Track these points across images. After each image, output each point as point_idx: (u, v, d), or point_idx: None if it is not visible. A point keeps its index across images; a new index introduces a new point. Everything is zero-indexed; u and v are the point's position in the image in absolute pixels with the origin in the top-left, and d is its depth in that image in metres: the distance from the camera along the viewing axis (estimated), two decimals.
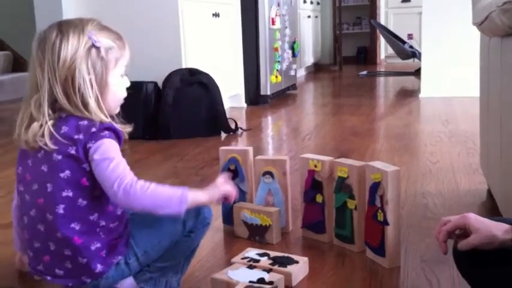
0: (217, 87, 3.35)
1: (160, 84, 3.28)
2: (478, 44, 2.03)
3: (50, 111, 1.18)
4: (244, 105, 4.47)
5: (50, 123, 1.17)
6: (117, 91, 1.25)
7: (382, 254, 1.44)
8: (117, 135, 1.21)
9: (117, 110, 1.27)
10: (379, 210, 1.42)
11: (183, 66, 3.46)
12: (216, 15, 3.99)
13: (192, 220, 1.31)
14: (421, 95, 4.62)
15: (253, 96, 4.55)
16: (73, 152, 1.16)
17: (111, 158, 1.16)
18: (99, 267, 1.19)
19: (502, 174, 1.60)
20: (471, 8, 1.91)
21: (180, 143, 3.07)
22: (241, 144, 3.08)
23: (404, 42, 6.64)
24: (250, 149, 1.72)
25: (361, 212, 1.51)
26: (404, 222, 1.62)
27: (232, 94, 4.30)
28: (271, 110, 4.29)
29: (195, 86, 3.28)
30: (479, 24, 1.70)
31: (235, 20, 4.37)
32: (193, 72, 3.36)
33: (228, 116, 3.36)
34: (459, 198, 1.96)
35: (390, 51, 7.54)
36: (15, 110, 4.15)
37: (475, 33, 1.97)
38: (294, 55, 5.29)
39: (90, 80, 1.18)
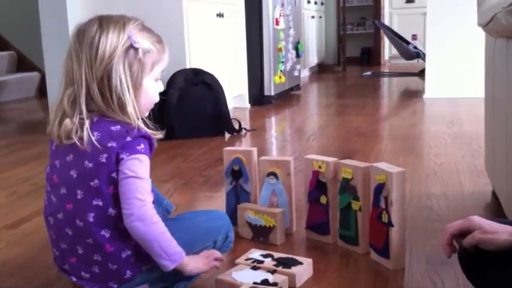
0: (221, 87, 3.35)
1: (164, 84, 3.28)
2: (482, 45, 2.03)
3: (85, 110, 1.15)
4: (248, 105, 4.47)
5: (87, 122, 1.14)
6: (150, 95, 1.22)
7: (386, 256, 1.43)
8: (150, 144, 1.19)
9: (147, 113, 1.25)
10: (384, 212, 1.42)
11: (187, 66, 3.46)
12: (220, 15, 3.99)
13: (221, 241, 1.34)
14: (425, 96, 4.61)
15: (257, 96, 4.55)
16: (104, 160, 1.14)
17: (141, 178, 1.15)
18: (128, 273, 1.19)
19: (507, 175, 1.59)
20: (476, 8, 1.91)
21: (184, 143, 3.07)
22: (245, 144, 3.08)
23: (408, 43, 6.63)
24: (255, 150, 1.71)
25: (365, 214, 1.51)
26: (408, 224, 1.61)
27: (236, 94, 4.29)
28: (275, 111, 4.28)
29: (199, 86, 3.28)
30: (485, 25, 1.69)
31: (240, 20, 4.37)
32: (197, 72, 3.36)
33: (231, 116, 3.36)
34: (464, 200, 1.95)
35: (394, 51, 7.52)
36: (19, 110, 4.18)
37: (480, 34, 1.96)
38: (297, 55, 5.28)
39: (126, 81, 1.15)
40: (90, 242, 1.17)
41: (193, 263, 1.22)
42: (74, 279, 1.22)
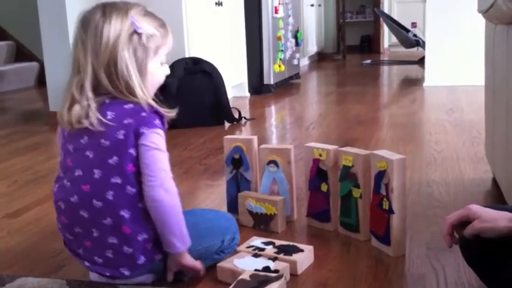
0: (221, 76, 3.34)
1: None
2: (483, 32, 2.02)
3: (92, 95, 1.18)
4: (248, 94, 4.46)
5: (93, 106, 1.17)
6: (156, 78, 1.25)
7: (387, 243, 1.43)
8: (161, 120, 1.22)
9: (153, 93, 1.27)
10: (384, 199, 1.42)
11: (186, 55, 3.45)
12: (219, 3, 3.97)
13: (228, 241, 1.36)
14: (425, 84, 4.60)
15: (257, 85, 4.54)
16: (121, 137, 1.16)
17: (163, 151, 1.19)
18: (141, 259, 1.20)
19: (507, 162, 1.59)
20: None
21: (184, 132, 3.07)
22: (245, 133, 3.08)
23: (408, 31, 6.61)
24: (255, 138, 1.71)
25: (366, 201, 1.51)
26: (409, 211, 1.62)
27: (235, 83, 4.28)
28: (274, 100, 4.28)
29: (199, 75, 3.27)
30: (485, 12, 1.68)
31: (238, 9, 4.35)
32: (196, 61, 3.35)
33: (231, 105, 3.35)
34: (464, 187, 1.95)
35: (394, 39, 7.49)
36: (18, 100, 4.17)
37: (480, 21, 1.96)
38: (297, 44, 5.27)
39: (132, 66, 1.18)
40: (108, 223, 1.18)
41: (189, 257, 1.25)
42: (87, 263, 1.23)
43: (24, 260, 1.48)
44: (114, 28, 1.17)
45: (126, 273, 1.21)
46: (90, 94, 1.17)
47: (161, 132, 1.20)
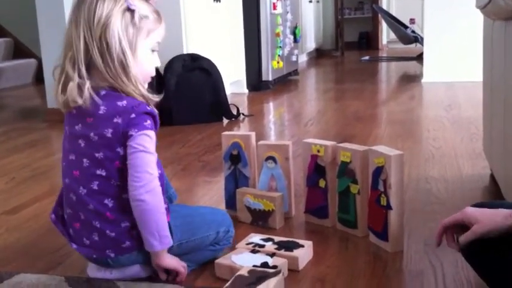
0: (219, 72, 3.34)
1: (161, 69, 3.27)
2: (481, 28, 2.02)
3: (86, 72, 1.17)
4: (246, 91, 4.45)
5: (88, 83, 1.16)
6: (145, 64, 1.24)
7: (385, 239, 1.44)
8: (154, 119, 1.22)
9: (145, 85, 1.26)
10: (382, 195, 1.42)
11: (184, 52, 3.44)
12: (217, 0, 3.97)
13: (223, 233, 1.37)
14: (423, 80, 4.60)
15: (255, 82, 4.53)
16: (109, 135, 1.17)
17: (151, 153, 1.19)
18: (127, 244, 1.22)
19: (505, 158, 1.59)
20: None
21: (182, 129, 3.07)
22: (243, 130, 3.07)
23: (406, 27, 6.61)
24: (253, 134, 1.71)
25: (364, 197, 1.51)
26: (407, 207, 1.62)
27: (233, 80, 4.28)
28: (272, 96, 4.27)
29: (197, 72, 3.27)
30: (483, 7, 1.68)
31: (237, 5, 4.34)
32: (194, 58, 3.35)
33: (229, 102, 3.35)
34: (462, 183, 1.95)
35: (392, 36, 7.49)
36: (16, 97, 4.17)
37: (478, 17, 1.96)
38: (295, 40, 5.26)
39: (124, 41, 1.17)
40: (92, 209, 1.20)
41: (170, 258, 1.25)
42: (75, 246, 1.25)
43: (23, 257, 1.49)
44: (108, 4, 1.17)
45: (112, 254, 1.22)
46: (84, 69, 1.17)
47: (151, 133, 1.20)
